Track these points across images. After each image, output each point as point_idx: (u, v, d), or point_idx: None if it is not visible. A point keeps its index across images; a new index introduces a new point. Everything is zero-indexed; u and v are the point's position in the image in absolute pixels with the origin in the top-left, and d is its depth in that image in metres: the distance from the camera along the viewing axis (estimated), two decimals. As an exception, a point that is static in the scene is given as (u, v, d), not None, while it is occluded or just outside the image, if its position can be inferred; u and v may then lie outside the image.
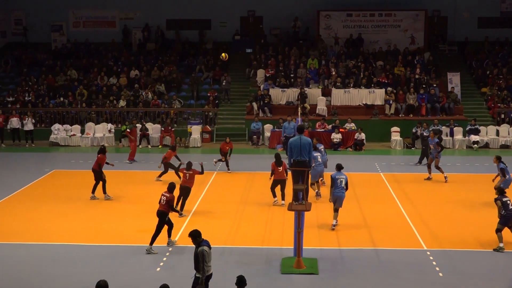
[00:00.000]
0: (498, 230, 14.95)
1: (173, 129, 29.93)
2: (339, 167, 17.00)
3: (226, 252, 14.96)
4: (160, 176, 21.77)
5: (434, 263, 14.17)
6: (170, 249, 15.08)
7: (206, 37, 37.85)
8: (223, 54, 24.89)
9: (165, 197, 15.18)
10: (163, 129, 29.91)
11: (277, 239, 15.83)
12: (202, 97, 33.15)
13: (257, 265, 14.14)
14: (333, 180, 16.69)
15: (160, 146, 29.34)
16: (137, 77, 33.96)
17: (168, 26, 38.32)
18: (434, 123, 28.80)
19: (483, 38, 36.49)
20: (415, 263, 14.24)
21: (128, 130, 26.65)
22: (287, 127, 26.39)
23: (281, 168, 18.76)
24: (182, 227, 16.73)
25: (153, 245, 14.78)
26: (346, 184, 16.74)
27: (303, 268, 13.76)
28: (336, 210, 16.66)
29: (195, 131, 29.83)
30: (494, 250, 14.93)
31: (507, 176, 18.27)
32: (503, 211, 14.88)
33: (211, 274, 11.37)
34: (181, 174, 18.96)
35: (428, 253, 14.83)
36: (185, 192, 17.92)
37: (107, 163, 20.01)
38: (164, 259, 14.44)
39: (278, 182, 18.86)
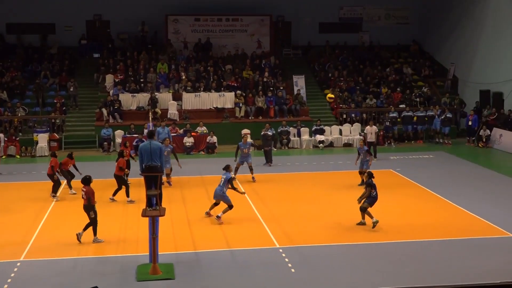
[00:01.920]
0: (364, 209, 16.73)
1: (17, 138, 28.54)
2: (226, 168, 18.06)
3: (79, 263, 14.55)
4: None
5: (286, 259, 14.70)
6: (18, 264, 14.41)
7: (51, 42, 36.40)
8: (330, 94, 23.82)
9: (83, 192, 15.85)
10: (6, 138, 28.41)
11: (132, 246, 15.64)
12: (48, 104, 31.85)
13: (112, 274, 13.89)
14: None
15: (4, 157, 27.83)
16: (-25, 84, 31.97)
17: (9, 30, 36.41)
18: (282, 125, 29.85)
19: (324, 43, 38.38)
20: (268, 261, 14.68)
21: None
22: (161, 132, 25.96)
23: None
24: (31, 240, 16.06)
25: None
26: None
27: (159, 274, 13.72)
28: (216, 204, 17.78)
29: (42, 139, 28.64)
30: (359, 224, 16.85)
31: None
32: (374, 193, 16.69)
33: None
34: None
35: (281, 250, 15.35)
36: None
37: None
38: (12, 275, 13.75)
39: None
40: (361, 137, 29.52)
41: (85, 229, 15.84)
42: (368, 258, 14.82)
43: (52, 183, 20.21)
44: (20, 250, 15.31)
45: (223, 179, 17.75)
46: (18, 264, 14.43)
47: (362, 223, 17.01)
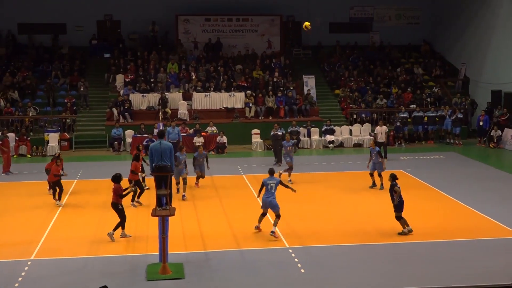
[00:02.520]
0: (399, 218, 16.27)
1: (28, 138, 28.68)
2: (271, 172, 16.72)
3: (88, 262, 14.58)
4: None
5: (296, 260, 14.66)
6: (29, 263, 14.47)
7: (61, 42, 36.55)
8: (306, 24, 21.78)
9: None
10: (17, 138, 28.56)
11: (142, 246, 15.66)
12: (59, 103, 32.00)
13: (121, 273, 13.90)
14: (264, 184, 16.47)
15: (15, 156, 27.97)
16: (-14, 84, 32.14)
17: (20, 30, 36.58)
18: (292, 125, 29.82)
19: (335, 43, 38.31)
20: (278, 261, 14.63)
21: None
22: (171, 132, 26.06)
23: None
24: (41, 239, 16.14)
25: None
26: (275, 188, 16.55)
27: (169, 274, 13.72)
28: (264, 215, 16.64)
29: (53, 139, 28.77)
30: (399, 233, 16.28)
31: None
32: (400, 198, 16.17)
33: None
34: None
35: (290, 250, 15.31)
36: None
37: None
38: (23, 273, 13.81)
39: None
40: (371, 137, 29.53)
41: (115, 228, 16.00)
42: (378, 259, 14.75)
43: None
44: (30, 249, 15.36)
45: (272, 185, 16.41)
46: (29, 263, 14.47)
47: (404, 233, 16.38)
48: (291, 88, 33.04)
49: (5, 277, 13.60)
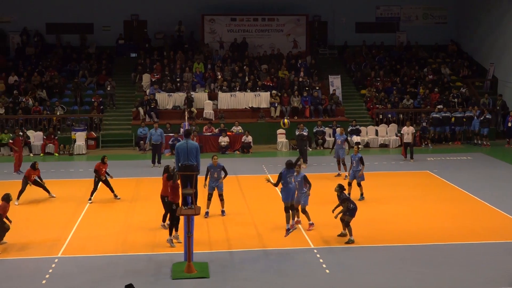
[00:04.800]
0: (348, 223, 15.92)
1: (56, 137, 29.00)
2: (289, 165, 16.44)
3: (114, 261, 14.69)
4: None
5: (321, 260, 14.62)
6: (56, 260, 14.64)
7: (89, 41, 36.92)
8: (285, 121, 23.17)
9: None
10: (45, 137, 28.90)
11: (167, 244, 15.71)
12: (86, 102, 32.31)
13: (147, 272, 13.99)
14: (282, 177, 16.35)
15: (42, 154, 28.34)
16: (16, 83, 32.55)
17: (48, 30, 37.01)
18: (317, 125, 29.72)
19: (361, 42, 38.10)
20: (303, 261, 14.61)
21: (10, 141, 25.53)
22: (153, 134, 26.22)
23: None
24: (68, 237, 16.31)
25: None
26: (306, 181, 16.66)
27: (194, 273, 13.77)
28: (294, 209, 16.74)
29: (80, 137, 29.05)
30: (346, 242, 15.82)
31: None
32: (351, 205, 15.91)
33: None
34: None
35: (315, 251, 15.27)
36: None
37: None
38: (50, 270, 13.97)
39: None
40: (398, 137, 29.31)
41: (170, 230, 15.81)
42: (403, 260, 14.63)
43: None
44: (57, 246, 15.56)
45: (297, 181, 16.47)
46: (56, 260, 14.65)
47: (343, 234, 16.22)
48: (317, 88, 32.93)
49: (33, 274, 13.80)
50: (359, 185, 20.05)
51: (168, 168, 16.35)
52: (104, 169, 19.87)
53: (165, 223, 16.49)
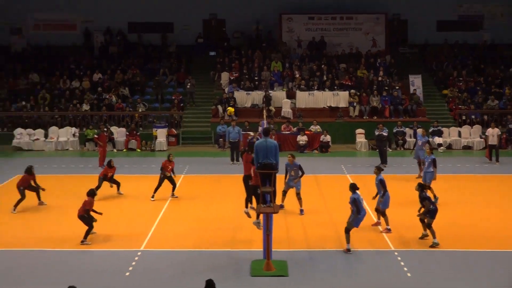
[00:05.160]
0: (429, 225, 15.50)
1: (138, 133, 29.72)
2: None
3: (195, 255, 14.88)
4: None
5: (402, 263, 14.33)
6: (139, 253, 14.97)
7: (169, 40, 37.66)
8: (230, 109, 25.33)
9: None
10: (128, 133, 29.67)
11: (246, 241, 15.81)
12: (167, 100, 32.97)
13: (226, 268, 14.10)
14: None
15: (125, 150, 29.12)
16: (100, 80, 33.61)
17: (130, 29, 37.98)
18: (397, 125, 29.20)
19: (443, 41, 37.17)
20: (383, 264, 14.37)
21: (95, 136, 26.36)
22: (231, 131, 26.44)
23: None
24: (150, 231, 16.65)
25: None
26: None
27: (273, 271, 13.77)
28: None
29: (161, 134, 29.65)
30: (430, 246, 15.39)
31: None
32: (431, 206, 15.48)
33: None
34: None
35: (396, 253, 14.99)
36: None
37: (35, 184, 19.12)
38: (133, 263, 14.30)
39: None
40: (482, 139, 28.40)
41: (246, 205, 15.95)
42: (486, 267, 14.14)
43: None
44: (140, 240, 15.90)
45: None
46: (139, 253, 14.98)
47: (424, 236, 15.92)
48: (397, 87, 32.35)
49: (117, 266, 14.15)
50: (428, 187, 19.36)
51: (246, 149, 16.38)
52: (170, 167, 20.02)
53: (248, 209, 15.89)
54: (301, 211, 18.33)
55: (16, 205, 18.57)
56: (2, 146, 29.21)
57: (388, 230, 16.50)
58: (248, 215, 15.57)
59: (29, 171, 19.04)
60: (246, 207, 15.77)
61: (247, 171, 16.02)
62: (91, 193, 16.17)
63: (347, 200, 18.48)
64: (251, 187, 15.42)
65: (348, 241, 15.05)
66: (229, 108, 29.38)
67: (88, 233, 15.76)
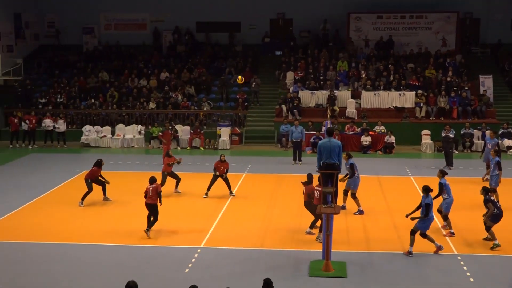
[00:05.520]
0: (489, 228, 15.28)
1: (202, 131, 30.07)
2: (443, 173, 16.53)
3: (254, 254, 14.94)
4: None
5: (464, 268, 13.98)
6: (198, 250, 15.15)
7: (236, 40, 37.95)
8: (239, 77, 25.81)
9: (151, 188, 16.08)
10: (192, 131, 30.06)
11: (305, 241, 15.76)
12: (232, 99, 33.24)
13: (285, 267, 14.09)
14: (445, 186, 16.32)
15: (188, 148, 29.53)
16: (167, 79, 34.22)
17: (198, 28, 38.50)
18: (465, 126, 28.47)
19: (517, 41, 36.01)
20: (445, 268, 14.06)
21: (160, 133, 26.84)
22: (294, 131, 26.33)
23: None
24: (210, 229, 16.82)
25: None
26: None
27: (332, 272, 13.67)
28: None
29: (224, 133, 29.91)
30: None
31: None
32: (495, 210, 15.21)
33: None
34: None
35: (459, 257, 14.63)
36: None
37: (102, 178, 19.55)
38: (193, 260, 14.48)
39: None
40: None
41: (311, 226, 16.20)
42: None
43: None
44: (200, 237, 16.08)
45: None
46: (199, 250, 15.16)
47: (488, 239, 15.54)
48: (466, 88, 31.52)
49: (177, 262, 14.37)
50: (493, 191, 18.78)
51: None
52: (222, 167, 19.94)
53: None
54: (360, 211, 18.16)
55: (83, 198, 19.15)
56: (71, 142, 30.12)
57: (452, 234, 16.11)
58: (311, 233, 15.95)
59: (99, 164, 19.53)
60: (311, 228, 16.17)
61: (306, 198, 16.32)
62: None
63: (410, 202, 18.22)
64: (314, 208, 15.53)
65: (412, 243, 14.84)
66: (239, 76, 28.41)
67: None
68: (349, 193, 18.46)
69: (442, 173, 16.58)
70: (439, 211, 16.60)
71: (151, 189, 16.14)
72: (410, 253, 14.81)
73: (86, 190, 19.16)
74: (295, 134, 26.18)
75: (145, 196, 16.27)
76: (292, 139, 26.32)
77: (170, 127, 27.70)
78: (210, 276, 13.54)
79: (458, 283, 13.23)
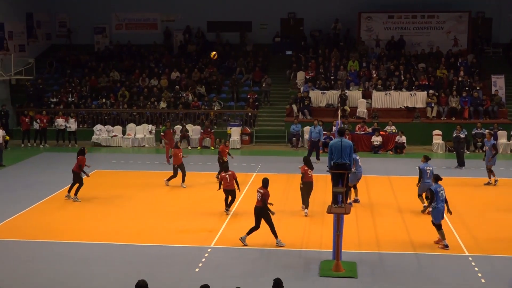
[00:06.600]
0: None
1: (212, 131, 30.09)
2: (426, 158, 18.02)
3: (264, 254, 14.93)
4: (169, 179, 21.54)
5: (476, 269, 13.90)
6: (209, 249, 15.15)
7: (247, 39, 37.95)
8: (213, 53, 24.62)
9: (259, 193, 15.50)
10: (202, 130, 30.09)
11: (316, 241, 15.74)
12: (242, 99, 33.24)
13: (295, 267, 14.07)
14: (422, 171, 17.68)
15: (199, 148, 29.56)
16: (178, 78, 34.27)
17: (209, 28, 38.52)
18: (477, 127, 28.33)
19: (529, 40, 35.78)
20: (456, 268, 13.98)
21: (162, 133, 26.84)
22: (313, 131, 26.27)
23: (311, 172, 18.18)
24: (221, 227, 16.83)
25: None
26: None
27: (342, 272, 13.63)
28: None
29: (235, 132, 29.92)
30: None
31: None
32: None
33: None
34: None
35: (470, 258, 14.55)
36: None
37: (87, 166, 19.89)
38: (203, 259, 14.49)
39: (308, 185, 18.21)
40: None
41: (248, 233, 15.53)
42: None
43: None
44: (211, 237, 16.10)
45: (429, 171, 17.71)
46: (209, 250, 15.16)
47: None
48: (477, 88, 31.34)
49: (187, 262, 14.37)
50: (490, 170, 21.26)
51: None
52: (227, 150, 21.07)
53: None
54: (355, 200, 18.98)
55: (76, 193, 19.45)
56: (82, 142, 30.21)
57: (445, 247, 15.22)
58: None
59: (83, 152, 19.71)
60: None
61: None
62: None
63: (420, 203, 18.16)
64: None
65: (443, 237, 15.15)
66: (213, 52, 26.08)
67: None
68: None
69: (426, 159, 17.85)
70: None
71: (227, 176, 17.70)
72: (446, 246, 15.03)
73: (98, 189, 19.25)
74: (314, 133, 26.10)
75: (220, 184, 17.97)
76: (312, 138, 26.25)
77: (177, 127, 27.67)
78: (220, 275, 13.53)
79: (469, 283, 13.15)
